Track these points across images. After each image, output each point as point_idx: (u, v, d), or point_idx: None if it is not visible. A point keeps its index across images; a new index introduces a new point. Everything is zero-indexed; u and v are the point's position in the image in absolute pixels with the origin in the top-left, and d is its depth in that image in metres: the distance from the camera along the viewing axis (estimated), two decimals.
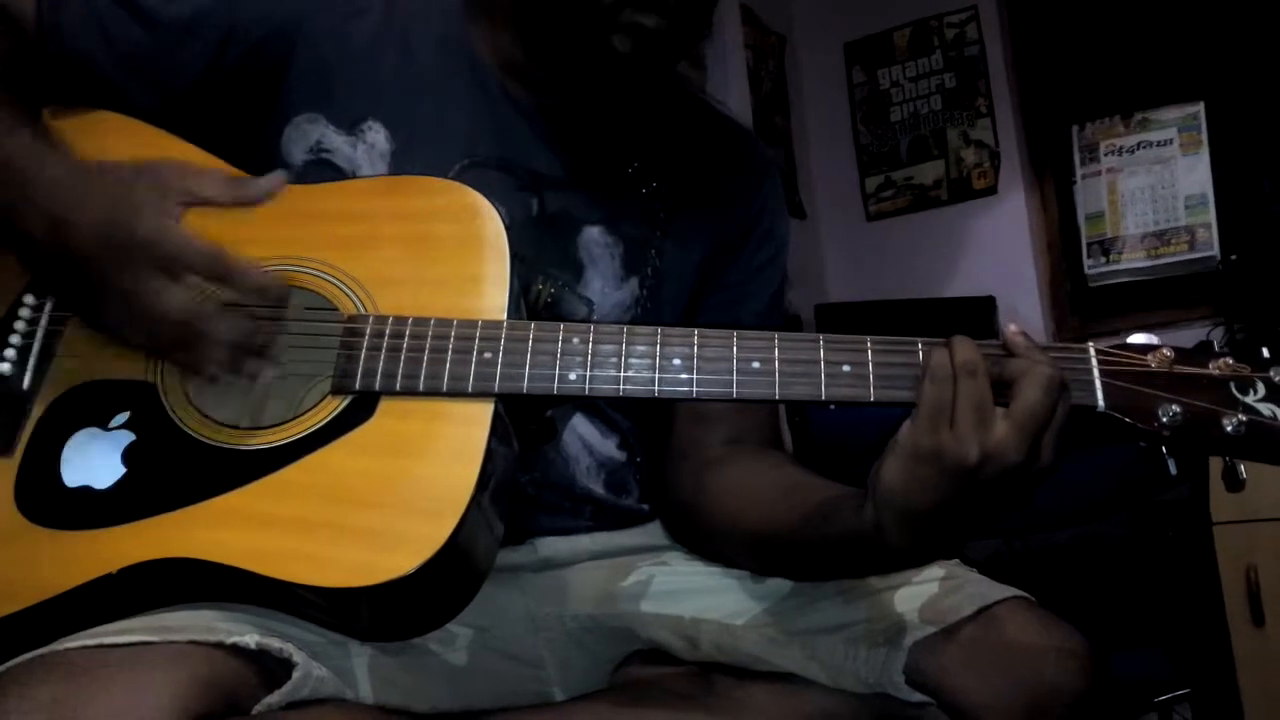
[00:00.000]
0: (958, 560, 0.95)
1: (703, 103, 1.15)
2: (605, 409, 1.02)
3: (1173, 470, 0.76)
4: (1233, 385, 0.76)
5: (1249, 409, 0.75)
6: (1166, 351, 0.77)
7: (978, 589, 0.89)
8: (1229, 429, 0.75)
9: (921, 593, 0.90)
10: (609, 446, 1.03)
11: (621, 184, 1.03)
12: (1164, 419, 0.76)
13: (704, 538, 1.01)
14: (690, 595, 0.97)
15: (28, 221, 0.81)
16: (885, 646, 0.86)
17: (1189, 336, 2.81)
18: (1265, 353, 0.76)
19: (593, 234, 1.00)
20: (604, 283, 1.00)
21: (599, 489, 1.02)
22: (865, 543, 0.80)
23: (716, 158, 1.08)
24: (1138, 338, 0.79)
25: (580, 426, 1.01)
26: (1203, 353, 0.77)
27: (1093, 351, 0.78)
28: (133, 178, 0.83)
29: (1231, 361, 0.76)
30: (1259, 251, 2.72)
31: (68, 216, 0.80)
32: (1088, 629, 0.86)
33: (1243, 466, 0.78)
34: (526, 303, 0.88)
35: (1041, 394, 0.73)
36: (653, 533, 1.06)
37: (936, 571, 0.92)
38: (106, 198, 0.81)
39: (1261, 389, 0.75)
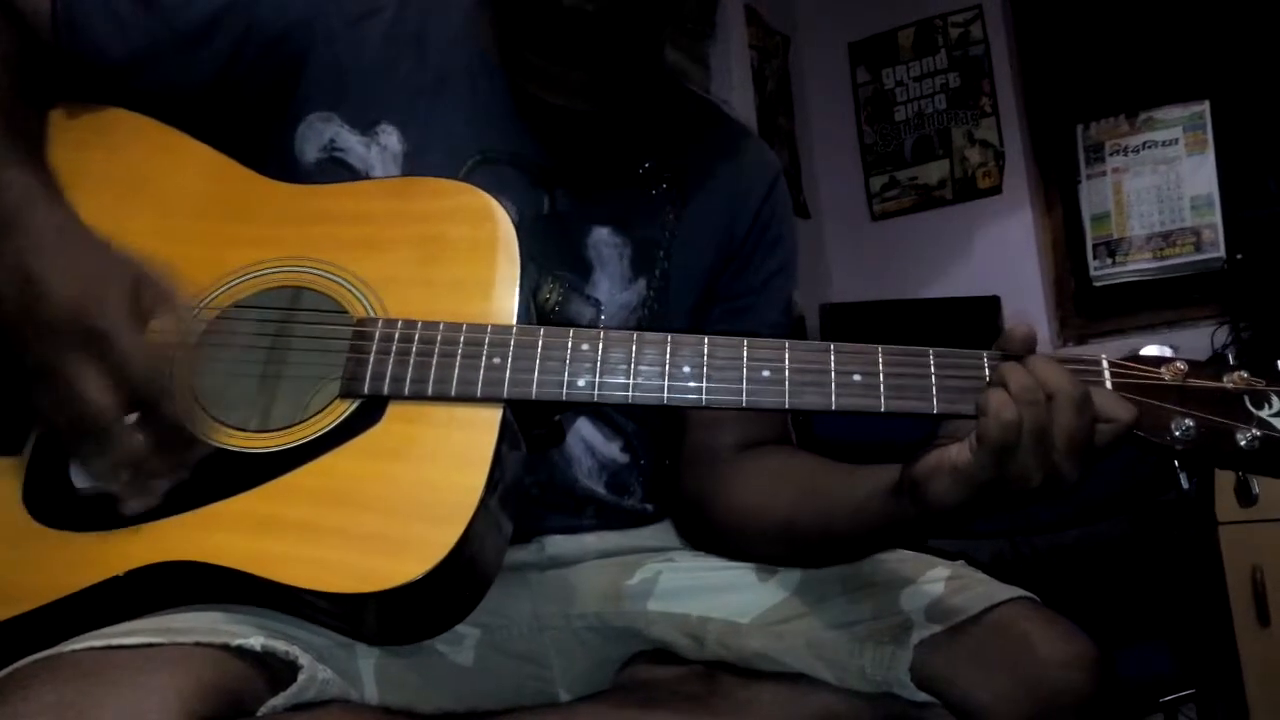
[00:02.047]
0: (963, 561, 0.95)
1: (711, 105, 1.15)
2: (610, 413, 1.03)
3: (1185, 484, 0.76)
4: (1247, 399, 0.75)
5: (1263, 423, 0.74)
6: (1180, 364, 0.77)
7: (983, 589, 0.89)
8: (1242, 444, 0.74)
9: (928, 592, 0.91)
10: (612, 450, 1.03)
11: (631, 184, 1.03)
12: (1177, 433, 0.75)
13: (723, 533, 1.01)
14: (696, 593, 0.97)
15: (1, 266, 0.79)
16: (891, 645, 0.86)
17: (1194, 337, 2.82)
18: None
19: (602, 234, 1.00)
20: (611, 283, 1.00)
21: (600, 490, 1.02)
22: (900, 529, 0.85)
23: (724, 160, 1.08)
24: (1151, 350, 0.79)
25: (584, 429, 1.01)
26: (1217, 366, 0.77)
27: (1105, 364, 0.78)
28: (112, 264, 0.80)
29: (1246, 375, 0.76)
30: (1265, 251, 2.71)
31: (42, 280, 0.78)
32: (1093, 629, 0.86)
33: (1255, 481, 0.78)
34: (536, 305, 0.88)
35: (1080, 417, 0.74)
36: (659, 533, 1.07)
37: (942, 571, 0.93)
38: (82, 276, 0.78)
39: (1276, 403, 0.75)
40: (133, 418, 0.78)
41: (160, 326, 0.80)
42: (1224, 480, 2.02)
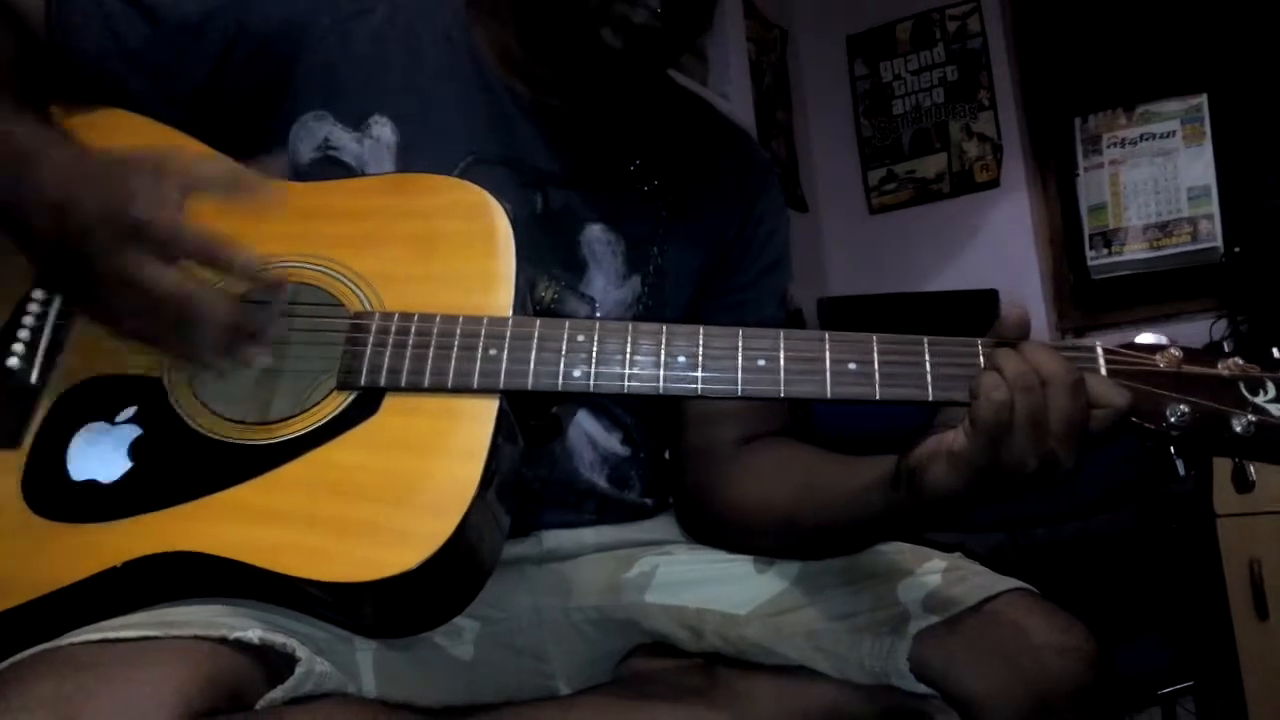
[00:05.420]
0: (960, 553, 0.96)
1: (703, 102, 1.16)
2: (610, 406, 1.03)
3: (1181, 471, 0.76)
4: (1242, 385, 0.75)
5: (1258, 410, 0.74)
6: (1175, 351, 0.77)
7: (981, 580, 0.90)
8: (1238, 430, 0.74)
9: (925, 583, 0.91)
10: (612, 442, 1.03)
11: (623, 182, 1.03)
12: (1172, 419, 0.75)
13: (724, 527, 1.01)
14: (694, 586, 0.97)
15: (26, 203, 0.80)
16: (889, 636, 0.86)
17: (1192, 329, 2.82)
18: (1276, 353, 0.76)
19: (595, 232, 1.01)
20: (606, 281, 1.01)
21: (602, 482, 1.02)
22: (896, 520, 0.84)
23: (716, 158, 1.09)
24: (1146, 337, 0.79)
25: (585, 422, 1.02)
26: (1212, 353, 0.77)
27: (1100, 351, 0.78)
28: (132, 162, 0.81)
29: (1241, 362, 0.76)
30: (1263, 244, 2.71)
31: (66, 198, 0.79)
32: (1091, 622, 0.86)
33: (1252, 467, 0.78)
34: (531, 304, 0.88)
35: (1074, 401, 0.74)
36: (656, 527, 1.07)
37: (940, 563, 0.93)
38: (104, 181, 0.79)
39: (1271, 389, 0.75)
40: (218, 285, 0.79)
41: (207, 174, 0.81)
42: (1221, 474, 2.02)
